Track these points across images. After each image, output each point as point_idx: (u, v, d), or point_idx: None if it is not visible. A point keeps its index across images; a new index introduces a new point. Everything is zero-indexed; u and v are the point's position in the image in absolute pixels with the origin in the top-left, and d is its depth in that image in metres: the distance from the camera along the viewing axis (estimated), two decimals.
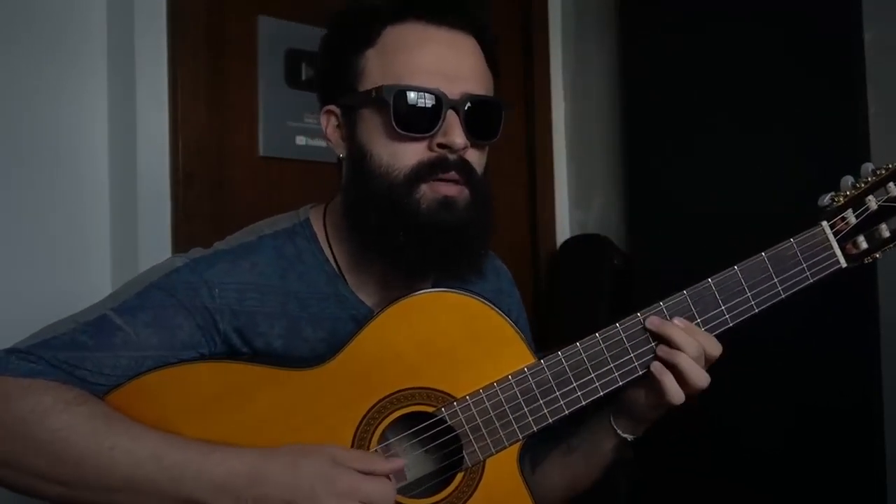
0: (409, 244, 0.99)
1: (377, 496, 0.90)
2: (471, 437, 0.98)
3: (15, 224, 1.65)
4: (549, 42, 2.54)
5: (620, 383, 1.00)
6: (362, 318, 1.01)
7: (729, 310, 1.00)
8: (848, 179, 1.03)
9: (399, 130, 0.98)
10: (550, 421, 0.99)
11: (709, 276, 1.00)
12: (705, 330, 1.00)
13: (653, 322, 0.99)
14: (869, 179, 1.01)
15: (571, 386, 0.99)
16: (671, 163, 2.12)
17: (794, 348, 1.76)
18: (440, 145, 0.99)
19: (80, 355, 0.93)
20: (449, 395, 0.98)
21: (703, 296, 1.00)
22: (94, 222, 1.76)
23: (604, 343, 0.99)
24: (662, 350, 0.98)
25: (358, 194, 1.03)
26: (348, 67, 1.03)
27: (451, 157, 0.99)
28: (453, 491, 0.99)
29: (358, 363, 0.96)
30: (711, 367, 1.01)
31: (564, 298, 2.37)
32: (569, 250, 2.46)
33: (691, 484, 1.95)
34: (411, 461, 1.01)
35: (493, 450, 0.98)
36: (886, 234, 1.00)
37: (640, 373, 1.00)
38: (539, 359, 0.99)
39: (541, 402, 0.98)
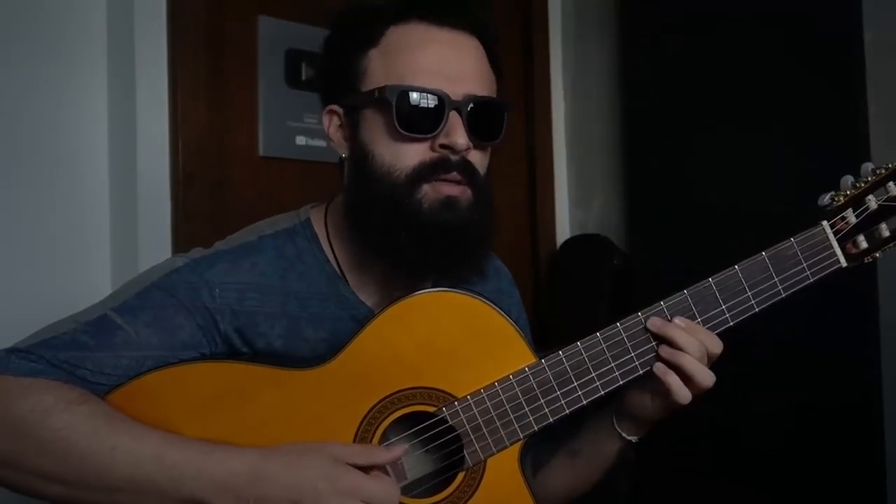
0: (410, 244, 0.99)
1: (380, 494, 0.90)
2: (472, 436, 0.98)
3: (15, 224, 1.65)
4: (549, 42, 2.54)
5: (621, 382, 1.00)
6: (363, 319, 1.01)
7: (729, 309, 1.00)
8: (848, 179, 1.03)
9: (401, 131, 0.98)
10: (551, 420, 0.99)
11: (709, 276, 1.00)
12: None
13: (654, 324, 0.98)
14: (869, 179, 1.01)
15: (572, 385, 0.99)
16: (671, 163, 2.12)
17: (794, 348, 1.76)
18: (442, 146, 0.99)
19: (81, 355, 0.93)
20: (450, 394, 0.98)
21: (703, 295, 1.00)
22: (94, 222, 1.76)
23: (605, 343, 0.99)
24: (666, 351, 0.98)
25: (360, 194, 1.03)
26: (351, 67, 1.03)
27: (454, 157, 0.99)
28: (454, 490, 0.99)
29: (359, 363, 0.96)
30: (711, 366, 1.01)
31: (564, 298, 2.37)
32: (569, 250, 2.46)
33: (691, 484, 1.95)
34: (412, 461, 1.01)
35: (494, 449, 0.98)
36: (886, 233, 1.01)
37: (641, 372, 1.00)
38: (540, 358, 0.99)
39: (542, 401, 0.98)
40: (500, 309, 0.99)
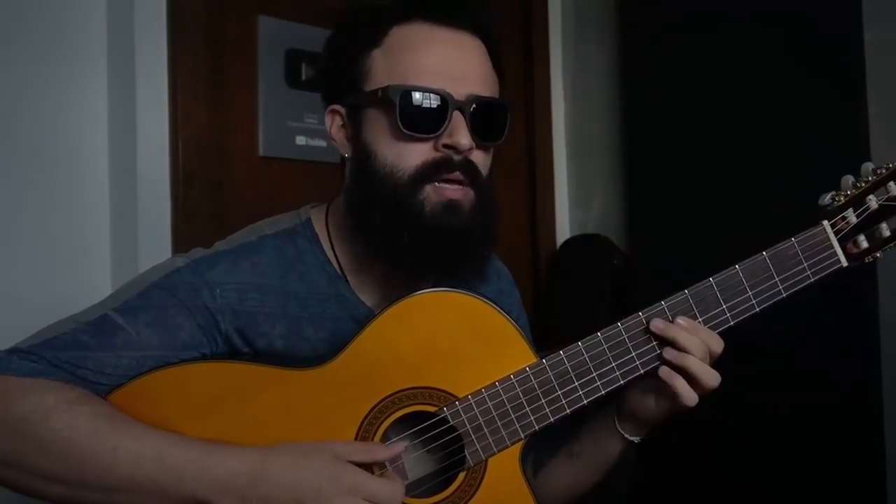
0: (411, 245, 0.99)
1: (383, 492, 0.91)
2: (473, 436, 0.98)
3: (15, 224, 1.65)
4: (549, 42, 2.54)
5: (622, 382, 1.00)
6: (363, 319, 1.01)
7: (730, 309, 1.00)
8: (848, 179, 1.03)
9: (405, 131, 0.98)
10: (552, 420, 0.99)
11: (709, 276, 1.00)
12: None
13: (657, 325, 0.98)
14: (869, 179, 1.02)
15: (573, 385, 0.99)
16: (671, 163, 2.12)
17: (794, 348, 1.76)
18: (446, 146, 0.99)
19: (82, 355, 0.93)
20: (451, 394, 0.98)
21: (704, 295, 1.00)
22: (94, 222, 1.75)
23: (605, 343, 0.99)
24: (670, 353, 0.98)
25: (362, 194, 1.03)
26: (354, 67, 1.03)
27: (457, 157, 1.00)
28: (455, 490, 0.99)
29: (359, 363, 0.96)
30: (712, 366, 1.01)
31: (564, 298, 2.37)
32: (569, 250, 2.46)
33: (691, 484, 1.95)
34: (413, 461, 1.01)
35: (494, 449, 0.98)
36: (887, 233, 1.01)
37: (642, 371, 1.00)
38: (541, 358, 0.99)
39: (542, 401, 0.98)
40: (501, 309, 0.99)
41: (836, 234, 1.01)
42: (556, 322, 2.35)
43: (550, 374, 0.98)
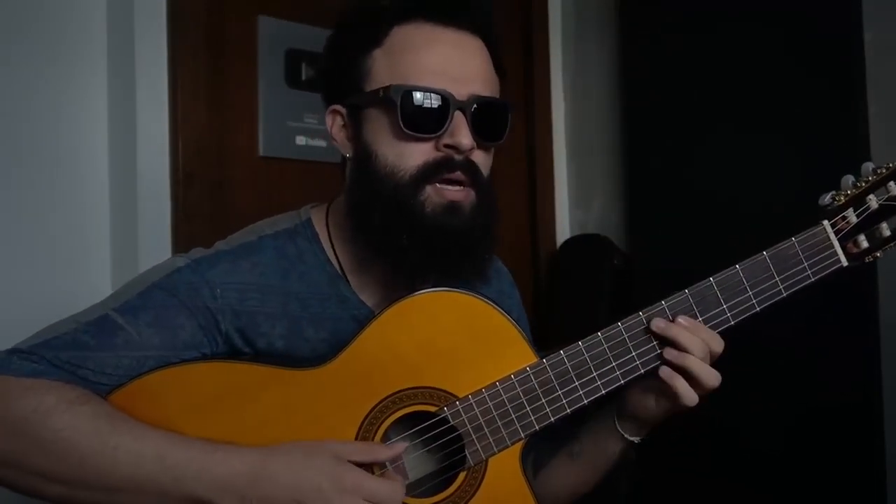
0: (412, 246, 0.99)
1: (383, 492, 0.91)
2: (473, 436, 0.98)
3: (15, 224, 1.65)
4: (549, 42, 2.54)
5: (622, 382, 1.00)
6: (363, 319, 1.01)
7: (730, 308, 1.00)
8: (849, 179, 1.03)
9: (406, 130, 0.98)
10: (552, 420, 0.99)
11: (709, 276, 1.00)
12: None
13: (657, 325, 0.98)
14: (869, 179, 1.02)
15: (573, 385, 0.99)
16: (671, 163, 2.12)
17: (794, 348, 1.76)
18: (447, 146, 1.00)
19: (82, 355, 0.93)
20: (451, 394, 0.98)
21: (704, 295, 1.00)
22: (94, 222, 1.75)
23: (606, 343, 0.99)
24: (670, 354, 0.98)
25: (363, 194, 1.03)
26: (355, 67, 1.03)
27: (458, 157, 1.00)
28: (456, 490, 0.99)
29: (360, 363, 0.96)
30: (712, 365, 1.01)
31: (564, 298, 2.37)
32: (569, 250, 2.46)
33: (691, 484, 1.95)
34: (414, 460, 1.01)
35: (495, 449, 0.98)
36: (887, 233, 1.01)
37: (643, 371, 1.00)
38: (541, 358, 0.99)
39: (543, 401, 0.98)
40: (501, 309, 0.99)
41: (836, 233, 1.01)
42: (556, 322, 2.35)
43: (551, 373, 0.98)
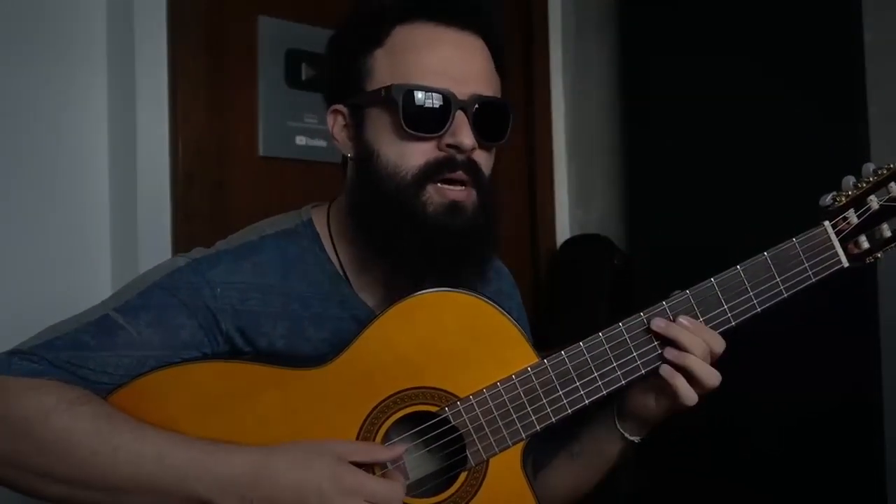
0: (413, 245, 0.99)
1: (384, 493, 0.90)
2: (474, 436, 0.98)
3: (15, 224, 1.65)
4: (549, 42, 2.54)
5: (623, 383, 1.00)
6: (364, 319, 1.01)
7: (731, 309, 1.00)
8: (849, 179, 1.03)
9: (408, 130, 0.98)
10: (553, 420, 0.99)
11: (709, 276, 1.00)
12: None
13: (658, 324, 0.98)
14: (870, 179, 1.02)
15: (574, 385, 0.99)
16: (671, 163, 2.13)
17: (795, 348, 1.76)
18: (449, 146, 1.00)
19: (83, 355, 0.93)
20: (452, 394, 0.98)
21: (706, 295, 1.00)
22: (94, 222, 1.75)
23: (607, 343, 0.99)
24: (671, 353, 0.98)
25: (364, 194, 1.03)
26: (356, 67, 1.03)
27: (460, 157, 1.00)
28: (457, 490, 0.99)
29: (361, 363, 0.96)
30: (712, 365, 1.01)
31: (564, 298, 2.37)
32: (569, 250, 2.46)
33: (691, 484, 1.95)
34: (415, 461, 1.01)
35: (496, 449, 0.98)
36: (888, 233, 1.01)
37: (643, 372, 1.00)
38: (542, 359, 0.99)
39: (544, 401, 0.98)
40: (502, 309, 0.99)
41: (837, 234, 1.01)
42: (556, 322, 2.35)
43: (552, 374, 0.98)
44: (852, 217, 1.01)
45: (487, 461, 0.99)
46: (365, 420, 0.96)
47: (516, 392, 0.98)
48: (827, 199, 1.03)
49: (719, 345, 1.00)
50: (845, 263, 1.01)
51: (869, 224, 1.01)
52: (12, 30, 1.66)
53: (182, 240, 1.75)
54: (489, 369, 0.98)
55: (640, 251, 2.25)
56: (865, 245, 1.01)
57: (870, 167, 1.03)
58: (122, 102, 1.76)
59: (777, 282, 1.00)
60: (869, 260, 1.02)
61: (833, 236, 1.01)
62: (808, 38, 1.83)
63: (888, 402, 1.69)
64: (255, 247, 1.05)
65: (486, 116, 1.01)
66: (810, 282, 1.01)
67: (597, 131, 2.48)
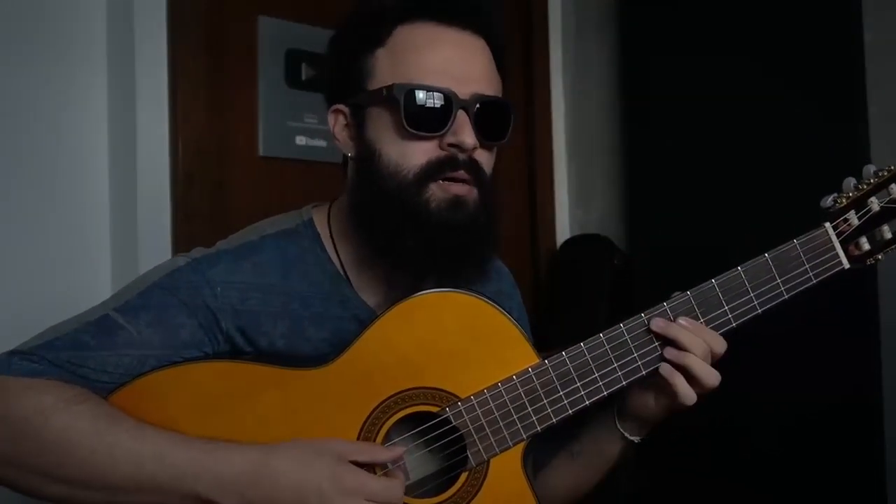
0: (416, 245, 0.99)
1: (384, 493, 0.91)
2: (475, 437, 0.98)
3: (15, 224, 1.64)
4: (549, 42, 2.54)
5: (624, 383, 1.00)
6: (365, 319, 1.01)
7: (732, 310, 1.00)
8: (850, 181, 1.03)
9: (409, 129, 0.98)
10: (554, 421, 0.99)
11: (710, 276, 1.00)
12: None
13: (658, 324, 0.99)
14: (871, 181, 1.02)
15: (575, 386, 0.99)
16: (671, 163, 2.13)
17: (795, 348, 1.76)
18: (450, 145, 1.00)
19: (83, 354, 0.93)
20: (453, 394, 0.98)
21: (706, 296, 1.00)
22: (94, 222, 1.75)
23: (608, 343, 0.99)
24: (671, 352, 0.98)
25: (365, 194, 1.03)
26: (358, 67, 1.03)
27: (461, 156, 1.00)
28: (457, 491, 0.99)
29: (362, 363, 0.96)
30: (713, 365, 1.01)
31: (564, 298, 2.37)
32: (569, 250, 2.46)
33: (691, 484, 1.95)
34: (415, 461, 1.01)
35: (497, 449, 0.98)
36: (888, 235, 1.01)
37: (644, 373, 1.00)
38: (543, 359, 0.99)
39: (545, 402, 0.98)
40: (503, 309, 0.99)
41: (837, 235, 1.01)
42: (557, 322, 2.35)
43: (553, 374, 0.98)
44: (853, 219, 1.01)
45: (488, 461, 0.99)
46: (366, 420, 0.96)
47: (517, 392, 0.98)
48: (828, 200, 1.03)
49: (720, 345, 1.00)
50: (846, 265, 1.01)
51: (869, 226, 1.01)
52: (12, 30, 1.66)
53: (182, 240, 1.75)
54: (490, 369, 0.98)
55: (640, 251, 2.25)
56: (866, 247, 1.01)
57: (870, 169, 1.03)
58: (122, 102, 1.75)
59: (778, 283, 1.00)
60: (869, 261, 1.02)
61: (834, 238, 1.01)
62: (808, 38, 1.83)
63: (888, 402, 1.69)
64: (256, 246, 1.05)
65: (488, 116, 1.01)
66: (811, 283, 1.01)
67: (597, 131, 2.48)
